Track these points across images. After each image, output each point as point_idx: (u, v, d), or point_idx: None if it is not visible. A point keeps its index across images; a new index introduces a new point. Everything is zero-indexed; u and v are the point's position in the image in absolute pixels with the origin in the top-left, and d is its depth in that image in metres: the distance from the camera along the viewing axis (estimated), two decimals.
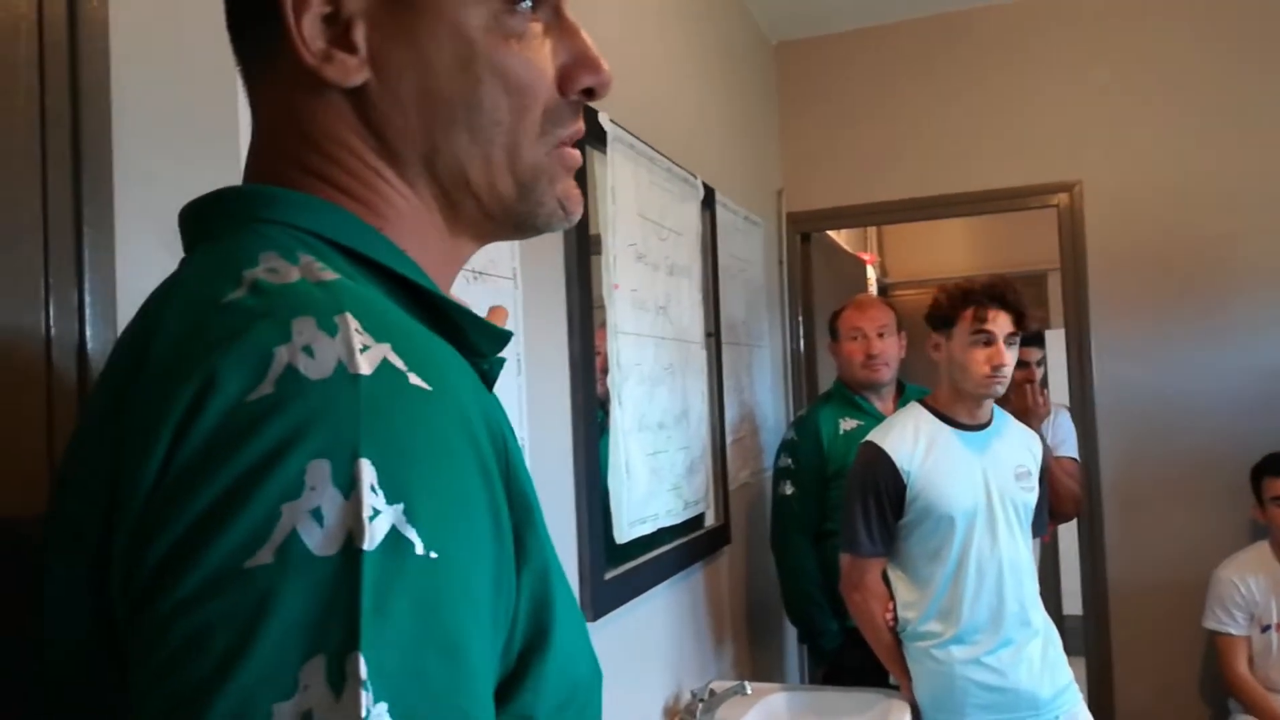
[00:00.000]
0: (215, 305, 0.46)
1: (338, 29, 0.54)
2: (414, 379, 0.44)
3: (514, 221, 0.61)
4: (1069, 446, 2.87)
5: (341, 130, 0.55)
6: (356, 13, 0.54)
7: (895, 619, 2.16)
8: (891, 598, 2.17)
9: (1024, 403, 2.66)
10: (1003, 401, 2.20)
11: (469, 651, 0.43)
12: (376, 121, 0.55)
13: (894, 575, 2.17)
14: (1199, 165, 3.11)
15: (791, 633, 3.15)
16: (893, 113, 3.43)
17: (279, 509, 0.40)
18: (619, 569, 1.90)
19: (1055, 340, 3.49)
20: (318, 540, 0.40)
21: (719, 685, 2.17)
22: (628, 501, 1.92)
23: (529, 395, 1.61)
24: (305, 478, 0.40)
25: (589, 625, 1.74)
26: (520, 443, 1.57)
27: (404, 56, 0.54)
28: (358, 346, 0.43)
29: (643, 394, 2.05)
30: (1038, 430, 2.46)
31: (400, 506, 0.41)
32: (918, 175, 3.39)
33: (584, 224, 1.85)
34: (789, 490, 2.67)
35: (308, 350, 0.43)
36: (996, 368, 2.03)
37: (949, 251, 5.30)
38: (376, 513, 0.40)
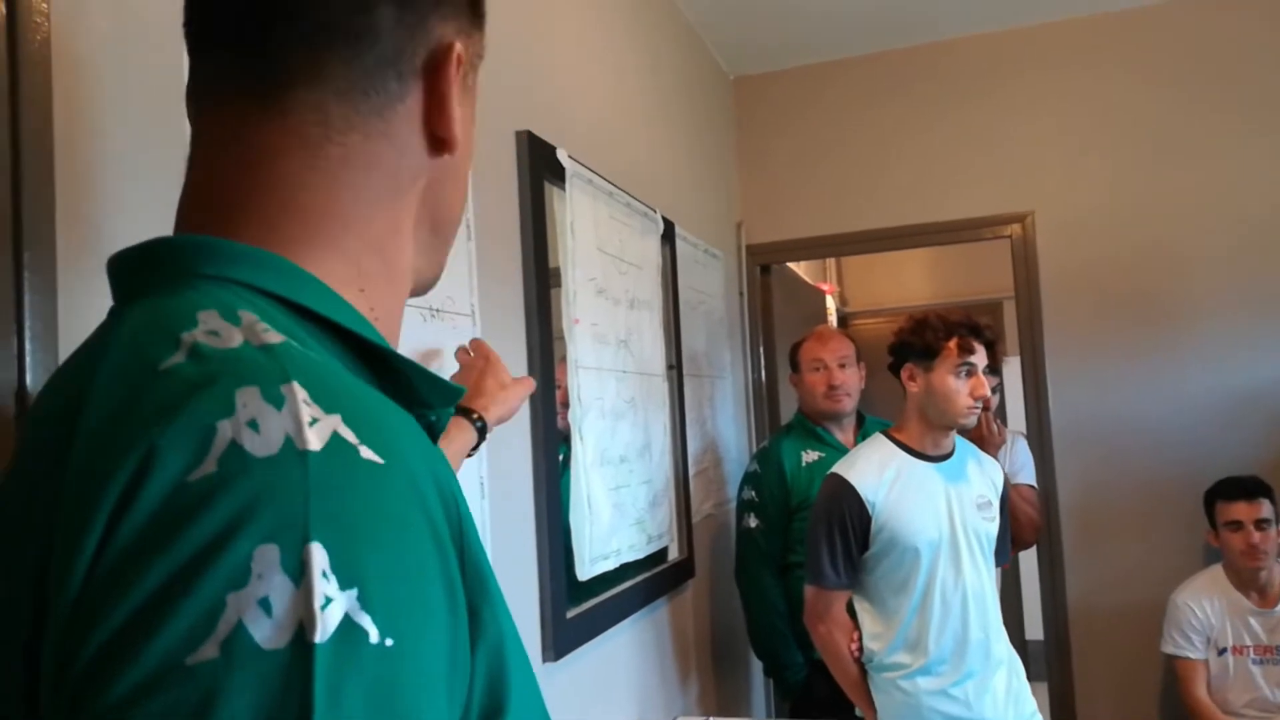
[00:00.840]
0: (152, 372, 0.43)
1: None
2: (366, 452, 0.42)
3: (422, 282, 0.65)
4: (1027, 473, 2.90)
5: (402, 192, 0.58)
6: (459, 95, 0.59)
7: (860, 650, 2.16)
8: (856, 629, 2.17)
9: (980, 431, 2.69)
10: (960, 430, 2.23)
11: None
12: (435, 189, 0.60)
13: (860, 606, 2.17)
14: (1146, 196, 3.19)
15: (758, 666, 3.13)
16: (850, 146, 3.48)
17: (224, 599, 0.37)
18: (582, 607, 1.88)
19: (1011, 368, 3.54)
20: (266, 633, 0.37)
21: None
22: (590, 537, 1.90)
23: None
24: (252, 564, 0.38)
25: (551, 665, 1.72)
26: (480, 482, 1.55)
27: (466, 137, 0.61)
28: (306, 420, 0.41)
29: (604, 428, 2.04)
30: (995, 458, 2.48)
31: (354, 592, 0.39)
32: (874, 207, 3.43)
33: (543, 258, 1.84)
34: (753, 523, 2.67)
35: (253, 425, 0.40)
36: (979, 398, 2.07)
37: (907, 281, 5.37)
38: (329, 600, 0.38)
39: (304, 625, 0.38)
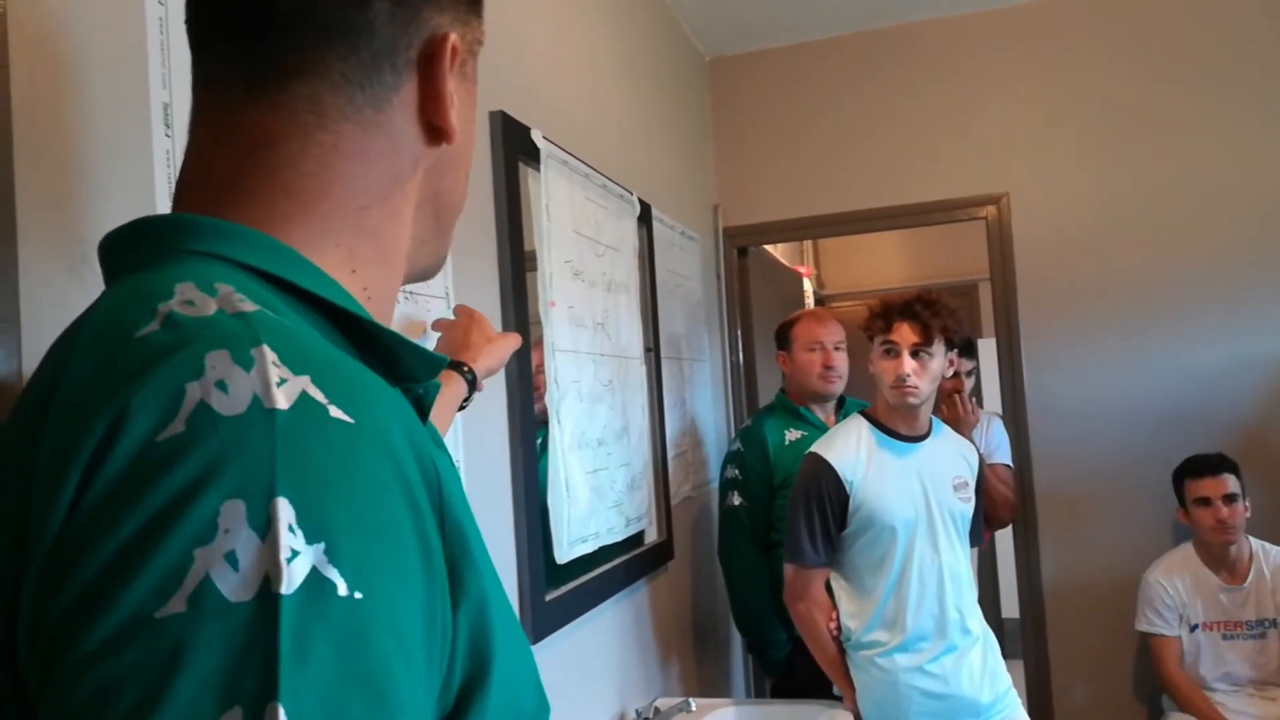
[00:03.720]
0: (127, 340, 0.44)
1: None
2: (335, 411, 0.43)
3: (426, 268, 0.67)
4: (1002, 453, 2.93)
5: (401, 180, 0.59)
6: (456, 84, 0.61)
7: (838, 629, 2.18)
8: (835, 607, 2.18)
9: (955, 412, 2.71)
10: (934, 411, 2.24)
11: (396, 693, 0.41)
12: (434, 177, 0.62)
13: (837, 585, 2.19)
14: (1120, 179, 3.20)
15: (738, 647, 3.15)
16: (827, 128, 3.48)
17: (191, 553, 0.38)
18: (560, 590, 1.88)
19: (987, 349, 3.56)
20: (233, 586, 0.38)
21: (664, 703, 2.15)
22: (568, 520, 1.90)
23: (465, 416, 1.59)
24: (219, 520, 0.38)
25: (531, 648, 1.72)
26: (456, 465, 1.55)
27: (466, 124, 0.63)
28: (274, 380, 0.42)
29: (582, 411, 2.03)
30: (970, 438, 2.50)
31: (320, 546, 0.40)
32: (852, 189, 3.44)
33: (519, 241, 1.83)
34: (736, 501, 2.68)
35: (221, 385, 0.41)
36: (900, 378, 2.07)
37: (884, 263, 5.39)
38: (295, 554, 0.39)
39: (270, 578, 0.38)
